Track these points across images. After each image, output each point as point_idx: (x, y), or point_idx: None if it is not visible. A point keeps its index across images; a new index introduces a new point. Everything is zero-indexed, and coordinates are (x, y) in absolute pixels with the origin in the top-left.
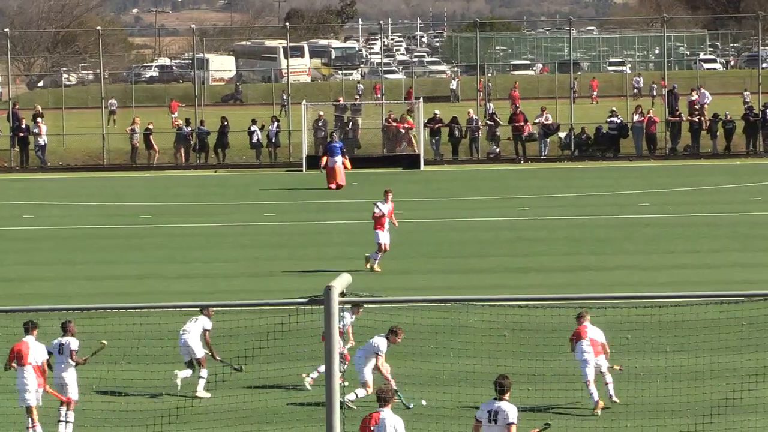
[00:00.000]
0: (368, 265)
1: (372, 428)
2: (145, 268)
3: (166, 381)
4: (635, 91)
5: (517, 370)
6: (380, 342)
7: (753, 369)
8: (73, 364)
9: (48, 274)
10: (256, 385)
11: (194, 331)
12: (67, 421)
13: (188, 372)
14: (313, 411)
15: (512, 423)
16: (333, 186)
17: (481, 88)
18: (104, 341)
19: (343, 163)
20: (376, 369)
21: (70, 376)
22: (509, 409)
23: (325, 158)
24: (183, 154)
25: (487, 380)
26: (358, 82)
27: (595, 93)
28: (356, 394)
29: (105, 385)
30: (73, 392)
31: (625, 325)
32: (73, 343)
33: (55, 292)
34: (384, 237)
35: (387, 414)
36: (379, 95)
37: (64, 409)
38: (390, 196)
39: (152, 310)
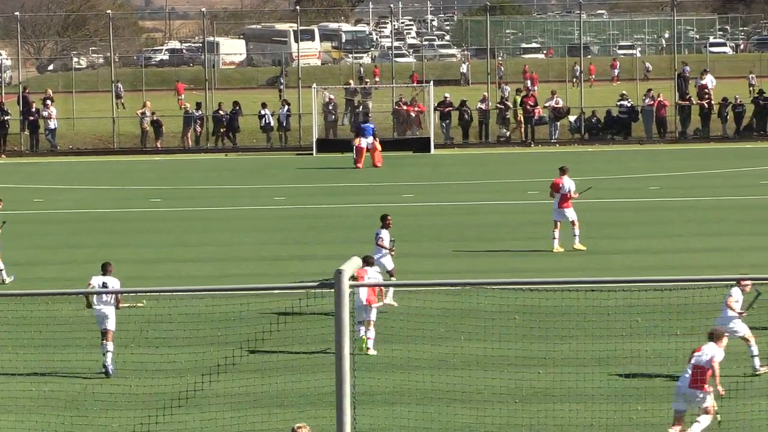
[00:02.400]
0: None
1: (695, 354)
2: (155, 252)
3: (176, 365)
4: (645, 73)
5: (527, 354)
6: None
7: (764, 352)
8: (113, 302)
9: (57, 258)
10: (266, 368)
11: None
12: (107, 351)
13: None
14: (324, 395)
15: None
16: (360, 165)
17: (497, 71)
18: (144, 303)
19: (374, 144)
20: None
21: (110, 310)
22: None
23: (357, 139)
24: (191, 138)
25: (497, 363)
26: (360, 66)
27: (592, 77)
28: None
29: (115, 369)
30: (112, 324)
31: (635, 309)
32: (116, 283)
33: (63, 276)
34: (572, 213)
35: (710, 345)
36: (378, 79)
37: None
38: (568, 172)
39: (162, 294)
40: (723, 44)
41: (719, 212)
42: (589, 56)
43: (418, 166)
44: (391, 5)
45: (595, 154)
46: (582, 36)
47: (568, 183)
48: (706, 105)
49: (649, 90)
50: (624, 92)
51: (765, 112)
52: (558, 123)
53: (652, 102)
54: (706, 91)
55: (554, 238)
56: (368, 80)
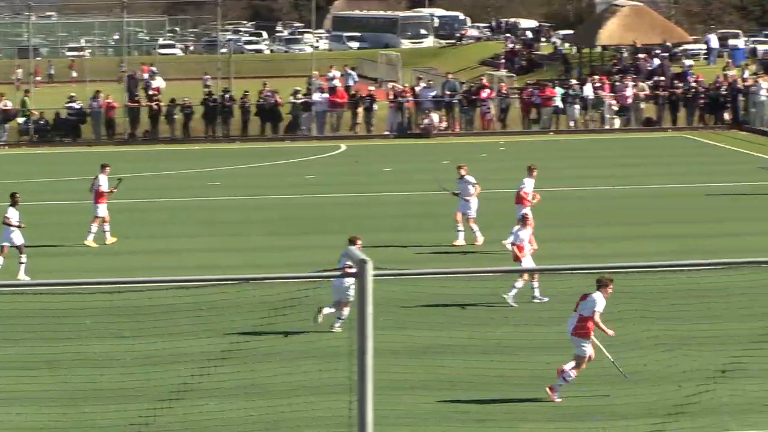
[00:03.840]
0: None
1: (579, 303)
2: None
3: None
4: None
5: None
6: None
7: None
8: None
9: None
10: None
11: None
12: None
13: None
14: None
15: None
16: None
17: None
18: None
19: None
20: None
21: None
22: None
23: None
24: None
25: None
26: None
27: (38, 78)
28: None
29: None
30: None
31: (85, 311)
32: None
33: None
34: (104, 210)
35: (594, 294)
36: None
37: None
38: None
39: None
40: (172, 46)
41: (169, 213)
42: (39, 58)
43: None
44: None
45: (45, 156)
46: (31, 38)
47: (103, 180)
48: (155, 106)
49: (98, 92)
50: (73, 94)
51: (215, 113)
52: (7, 125)
53: (101, 103)
54: (156, 92)
55: (90, 232)
56: None
